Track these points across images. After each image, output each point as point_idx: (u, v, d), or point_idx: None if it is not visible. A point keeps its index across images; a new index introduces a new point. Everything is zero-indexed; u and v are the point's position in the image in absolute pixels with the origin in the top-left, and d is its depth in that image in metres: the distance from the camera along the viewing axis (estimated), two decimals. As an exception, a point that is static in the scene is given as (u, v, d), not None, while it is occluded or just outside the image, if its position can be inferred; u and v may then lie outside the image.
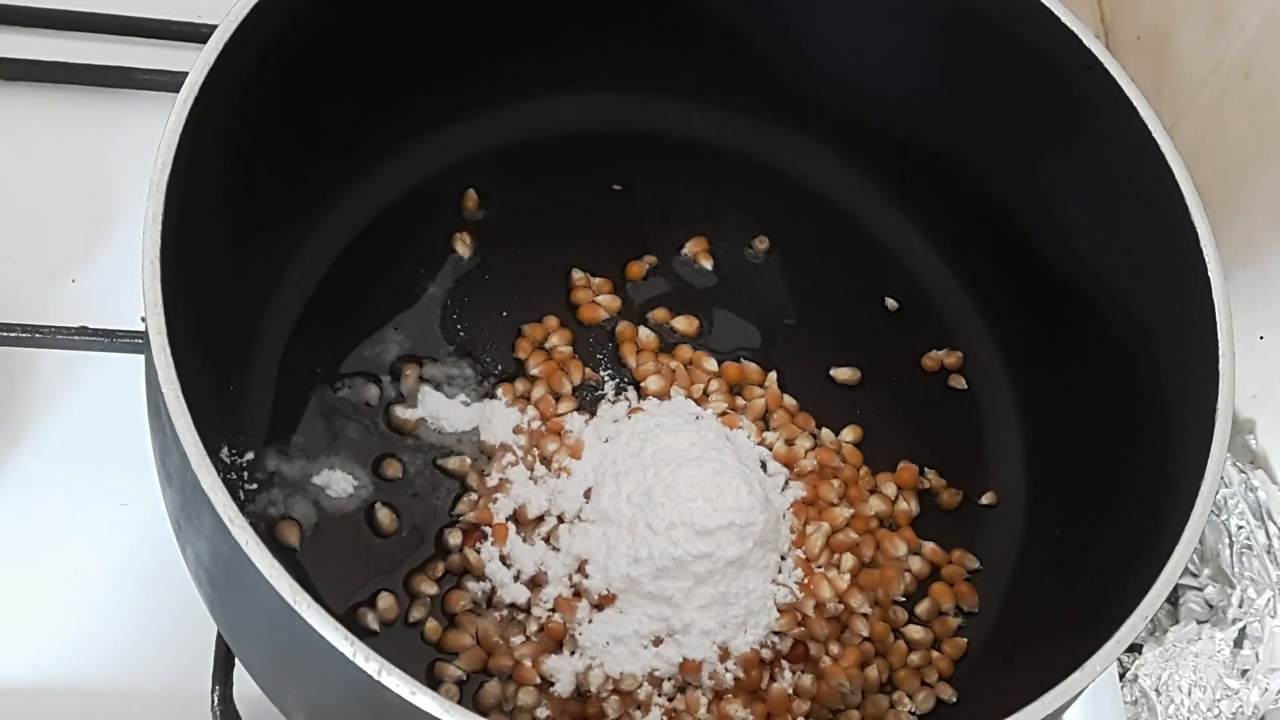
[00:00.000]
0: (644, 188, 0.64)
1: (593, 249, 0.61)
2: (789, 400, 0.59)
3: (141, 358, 0.46)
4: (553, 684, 0.51)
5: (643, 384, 0.58)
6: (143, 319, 0.42)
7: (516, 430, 0.56)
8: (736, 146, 0.65)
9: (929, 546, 0.57)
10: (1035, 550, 0.57)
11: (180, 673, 0.54)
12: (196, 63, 0.46)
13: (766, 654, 0.53)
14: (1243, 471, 0.65)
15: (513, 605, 0.52)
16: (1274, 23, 0.65)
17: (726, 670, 0.52)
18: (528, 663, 0.51)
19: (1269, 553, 0.63)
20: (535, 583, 0.53)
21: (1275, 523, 0.64)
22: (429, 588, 0.52)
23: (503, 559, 0.53)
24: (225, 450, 0.52)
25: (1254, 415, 0.68)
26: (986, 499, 0.59)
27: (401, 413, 0.56)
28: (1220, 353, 0.48)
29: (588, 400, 0.58)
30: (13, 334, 0.56)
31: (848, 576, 0.55)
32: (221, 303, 0.51)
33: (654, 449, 0.54)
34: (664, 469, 0.52)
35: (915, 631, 0.55)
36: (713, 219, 0.63)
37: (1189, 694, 0.60)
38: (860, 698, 0.53)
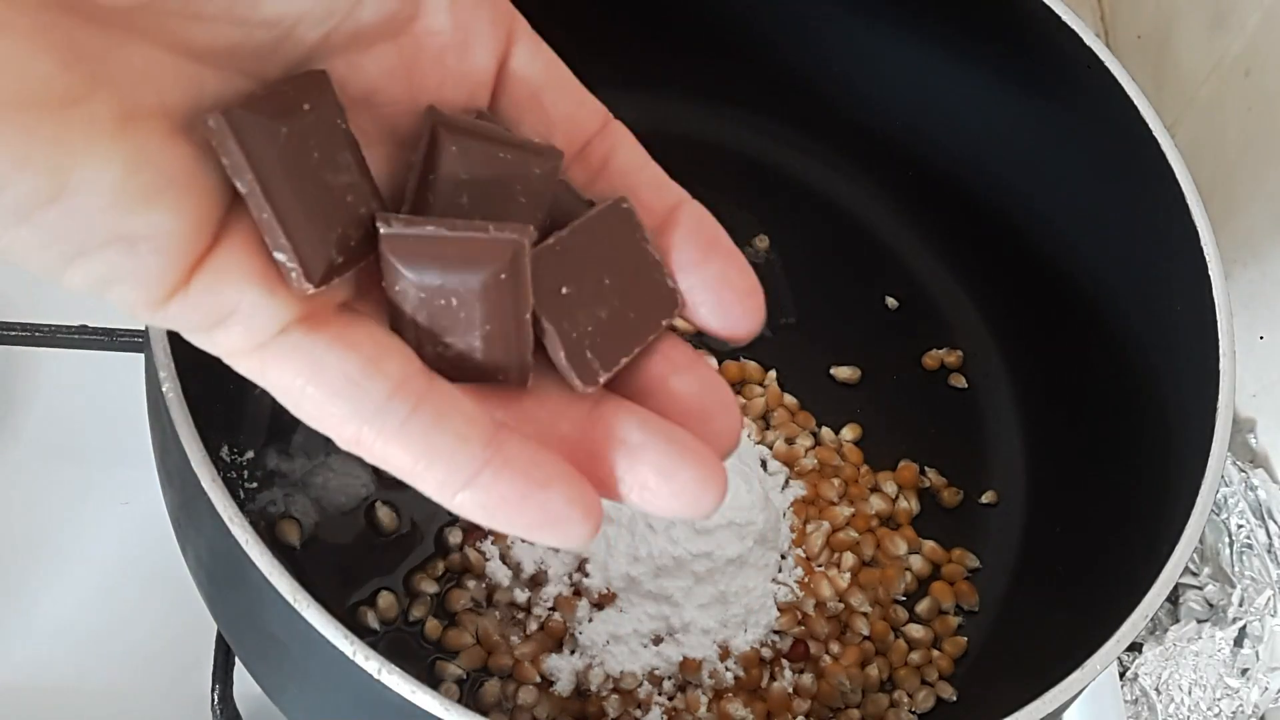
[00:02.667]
0: (644, 186, 0.64)
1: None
2: (789, 399, 0.59)
3: (141, 356, 0.46)
4: (553, 683, 0.51)
5: (643, 383, 0.58)
6: (143, 317, 0.42)
7: (516, 429, 0.56)
8: (737, 145, 0.65)
9: (929, 545, 0.57)
10: (1035, 549, 0.57)
11: (180, 672, 0.54)
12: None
13: (767, 653, 0.53)
14: (1243, 470, 0.65)
15: (513, 604, 0.52)
16: (1274, 21, 0.65)
17: (727, 669, 0.52)
18: (528, 662, 0.51)
19: (1269, 552, 0.63)
20: (535, 581, 0.53)
21: (1275, 522, 0.64)
22: (429, 586, 0.52)
23: (503, 558, 0.53)
24: (225, 449, 0.52)
25: (1254, 414, 0.68)
26: (987, 498, 0.59)
27: (401, 411, 0.56)
28: (1221, 352, 0.48)
29: (588, 399, 0.58)
30: (12, 333, 0.56)
31: (848, 575, 0.55)
32: (221, 301, 0.51)
33: (654, 448, 0.54)
34: (664, 468, 0.52)
35: (915, 630, 0.55)
36: (712, 218, 0.63)
37: (1189, 693, 0.60)
38: (860, 696, 0.53)
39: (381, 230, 0.26)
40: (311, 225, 0.25)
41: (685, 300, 0.29)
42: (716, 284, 0.29)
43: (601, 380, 0.28)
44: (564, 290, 0.27)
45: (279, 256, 0.25)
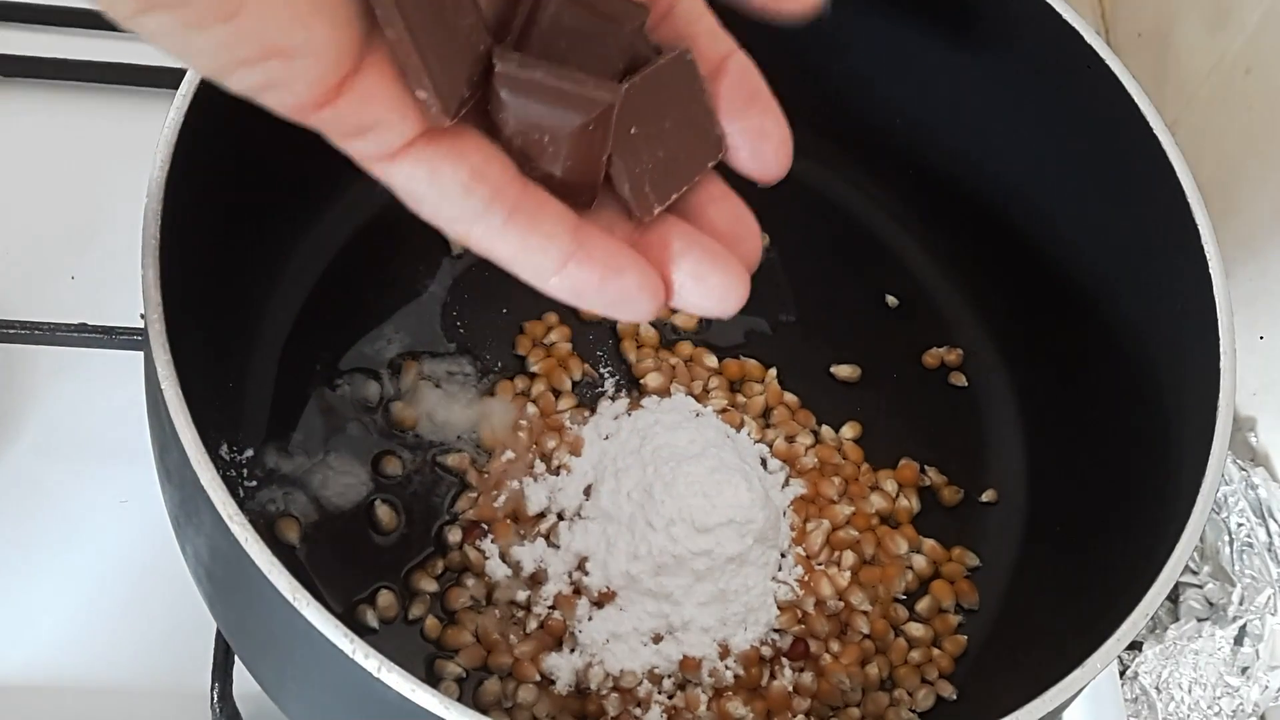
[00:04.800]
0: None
1: (593, 246, 0.61)
2: (789, 397, 0.59)
3: (141, 355, 0.46)
4: (552, 681, 0.51)
5: (642, 380, 0.58)
6: (142, 316, 0.42)
7: (516, 427, 0.56)
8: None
9: (929, 544, 0.57)
10: (1035, 548, 0.57)
11: (180, 670, 0.54)
12: (196, 59, 0.46)
13: (767, 651, 0.53)
14: (1243, 469, 0.65)
15: (512, 603, 0.52)
16: (1274, 20, 0.65)
17: (726, 668, 0.52)
18: (527, 660, 0.51)
19: (1269, 550, 0.63)
20: (535, 580, 0.53)
21: (1275, 520, 0.64)
22: (429, 585, 0.52)
23: (502, 556, 0.53)
24: (224, 447, 0.52)
25: (1254, 413, 0.68)
26: (987, 496, 0.59)
27: (401, 409, 0.56)
28: (1221, 350, 0.48)
29: (588, 397, 0.58)
30: (12, 331, 0.56)
31: (848, 574, 0.55)
32: (221, 299, 0.51)
33: (653, 446, 0.53)
34: (663, 466, 0.52)
35: (915, 629, 0.55)
36: (713, 216, 0.63)
37: (1189, 691, 0.60)
38: (860, 695, 0.53)
39: (497, 66, 0.30)
40: (447, 66, 0.29)
41: (728, 145, 0.34)
42: (755, 133, 0.34)
43: (656, 211, 0.33)
44: (633, 130, 0.32)
45: (420, 94, 0.29)
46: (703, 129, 0.33)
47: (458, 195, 0.31)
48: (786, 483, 0.57)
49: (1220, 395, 0.47)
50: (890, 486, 0.58)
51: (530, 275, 0.32)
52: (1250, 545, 0.63)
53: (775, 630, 0.53)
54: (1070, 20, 0.54)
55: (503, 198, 0.31)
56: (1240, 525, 0.64)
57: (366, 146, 0.31)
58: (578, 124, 0.30)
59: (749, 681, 0.52)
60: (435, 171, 0.31)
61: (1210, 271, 0.50)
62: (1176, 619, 0.63)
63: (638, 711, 0.51)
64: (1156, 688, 0.60)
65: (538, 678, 0.51)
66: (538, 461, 0.55)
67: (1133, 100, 0.53)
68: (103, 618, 0.56)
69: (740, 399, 0.59)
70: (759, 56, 0.66)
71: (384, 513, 0.53)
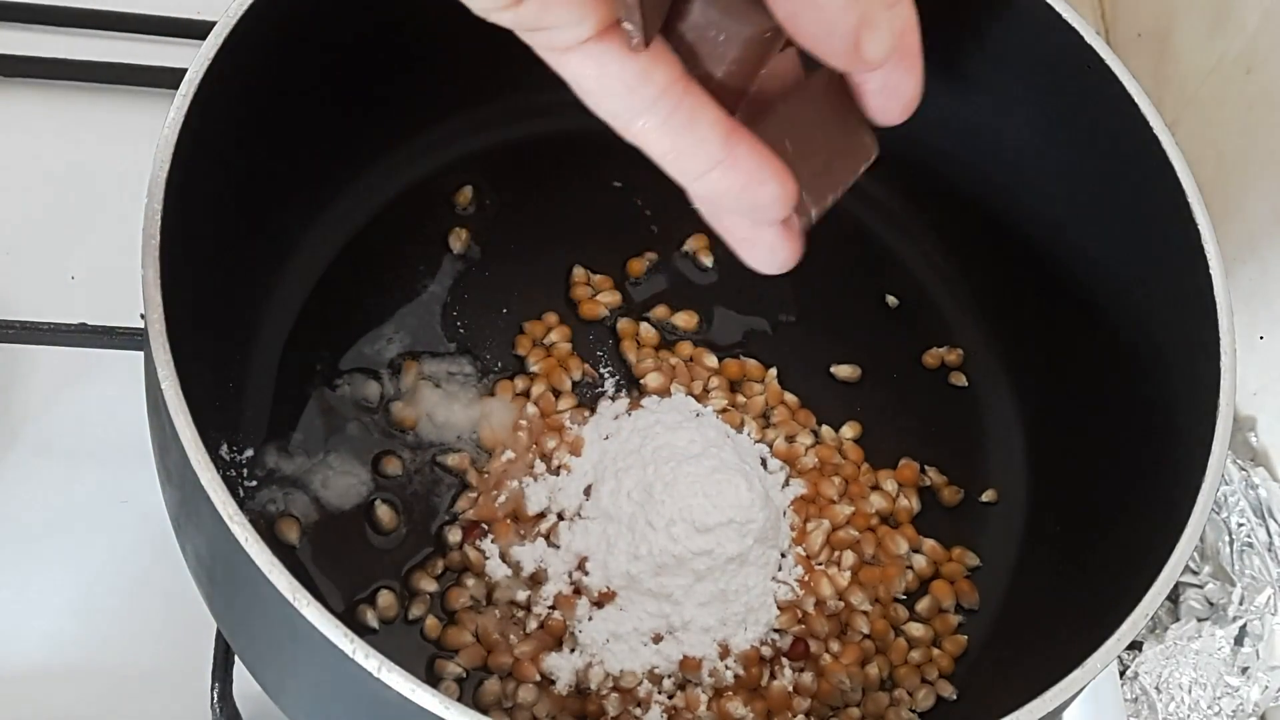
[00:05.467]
0: (644, 184, 0.63)
1: (593, 245, 0.61)
2: (789, 397, 0.59)
3: (141, 355, 0.46)
4: (552, 681, 0.51)
5: (642, 380, 0.58)
6: (142, 316, 0.42)
7: (516, 427, 0.56)
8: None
9: (929, 544, 0.57)
10: (1036, 548, 0.57)
11: (179, 670, 0.54)
12: (195, 59, 0.46)
13: (767, 651, 0.53)
14: (1243, 469, 0.65)
15: (512, 603, 0.52)
16: (1274, 20, 0.65)
17: (726, 668, 0.52)
18: (527, 660, 0.51)
19: (1269, 550, 0.63)
20: (535, 580, 0.53)
21: (1276, 520, 0.64)
22: (429, 585, 0.52)
23: (502, 556, 0.53)
24: (225, 447, 0.52)
25: (1254, 412, 0.68)
26: (987, 496, 0.59)
27: (401, 409, 0.56)
28: (1222, 350, 0.48)
29: (588, 397, 0.58)
30: (12, 331, 0.56)
31: (848, 574, 0.55)
32: (221, 299, 0.51)
33: (654, 446, 0.53)
34: (664, 466, 0.52)
35: (915, 629, 0.55)
36: (713, 216, 0.63)
37: (1189, 691, 0.60)
38: (860, 695, 0.53)
39: None
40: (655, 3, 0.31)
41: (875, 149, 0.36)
42: (885, 89, 0.37)
43: (809, 212, 0.36)
44: (788, 146, 0.34)
45: (627, 26, 0.31)
46: (854, 136, 0.36)
47: (621, 93, 0.32)
48: (786, 483, 0.57)
49: (1220, 395, 0.47)
50: (890, 486, 0.58)
51: (678, 174, 0.33)
52: (1250, 545, 0.63)
53: (775, 630, 0.53)
54: (1070, 20, 0.54)
55: (664, 100, 0.32)
56: (1240, 525, 0.64)
57: (541, 41, 0.32)
58: (754, 30, 0.32)
59: (749, 681, 0.52)
60: (603, 70, 0.32)
61: (1210, 272, 0.50)
62: (1176, 619, 0.63)
63: (638, 711, 0.51)
64: (1156, 688, 0.60)
65: (538, 678, 0.51)
66: (538, 461, 0.55)
67: (1133, 100, 0.52)
68: (102, 617, 0.56)
69: (740, 399, 0.59)
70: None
71: (384, 513, 0.53)
